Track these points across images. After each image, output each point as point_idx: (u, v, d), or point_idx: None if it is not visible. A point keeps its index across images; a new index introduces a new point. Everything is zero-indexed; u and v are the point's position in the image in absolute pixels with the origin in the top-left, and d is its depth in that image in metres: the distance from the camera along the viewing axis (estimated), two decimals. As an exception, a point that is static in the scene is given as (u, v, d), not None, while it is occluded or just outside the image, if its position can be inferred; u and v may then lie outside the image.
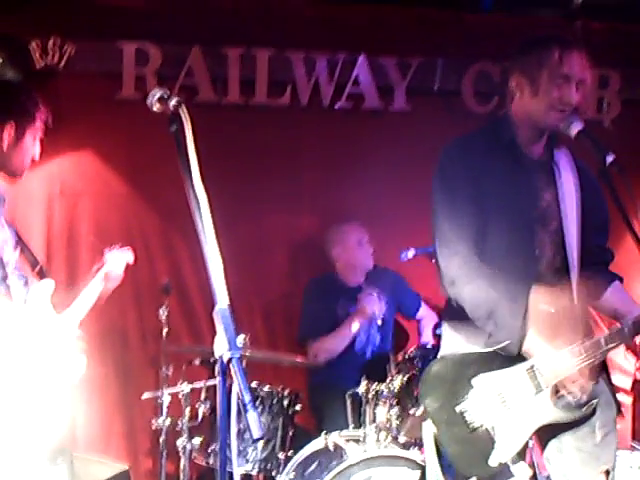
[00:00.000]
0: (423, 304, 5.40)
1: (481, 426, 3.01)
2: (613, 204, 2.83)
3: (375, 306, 5.12)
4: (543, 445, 3.18)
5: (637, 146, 5.79)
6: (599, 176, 2.88)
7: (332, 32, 5.66)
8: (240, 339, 2.37)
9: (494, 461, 2.99)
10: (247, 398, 2.21)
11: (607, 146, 2.92)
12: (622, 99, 6.00)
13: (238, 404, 2.37)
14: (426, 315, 5.43)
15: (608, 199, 2.98)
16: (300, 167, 5.63)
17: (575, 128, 3.03)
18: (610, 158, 2.86)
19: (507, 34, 5.57)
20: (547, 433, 3.10)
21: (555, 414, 3.01)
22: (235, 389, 2.30)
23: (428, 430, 3.15)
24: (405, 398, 4.23)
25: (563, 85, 3.07)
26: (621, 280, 3.34)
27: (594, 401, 3.04)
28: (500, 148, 3.19)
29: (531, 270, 3.11)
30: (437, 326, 4.72)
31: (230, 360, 2.27)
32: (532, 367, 2.99)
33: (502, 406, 3.01)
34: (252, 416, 2.19)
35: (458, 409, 3.02)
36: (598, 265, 3.26)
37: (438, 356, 3.26)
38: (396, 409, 4.26)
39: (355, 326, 5.08)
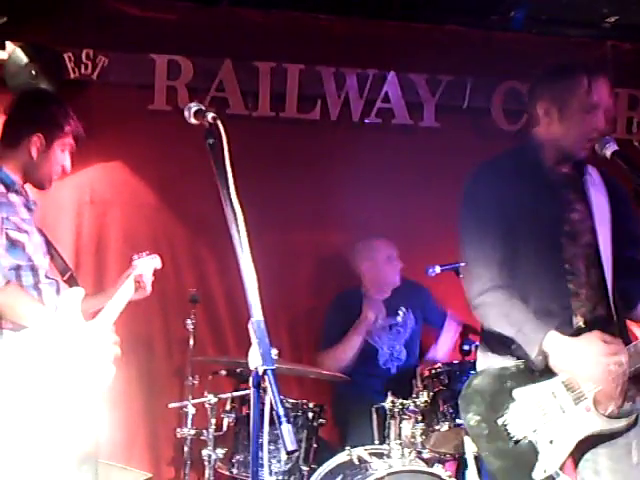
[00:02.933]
0: (449, 320, 5.39)
1: (524, 438, 3.01)
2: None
3: (377, 312, 5.12)
4: (578, 465, 3.18)
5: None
6: (634, 196, 2.89)
7: (362, 48, 5.69)
8: (274, 352, 2.38)
9: (539, 474, 2.99)
10: (281, 411, 2.22)
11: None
12: (650, 120, 6.00)
13: (270, 416, 2.38)
14: (447, 332, 5.39)
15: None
16: (329, 181, 5.64)
17: (610, 149, 3.06)
18: (643, 178, 2.87)
19: (537, 53, 5.58)
20: (583, 453, 3.10)
21: (596, 424, 3.02)
22: (266, 401, 2.32)
23: (469, 446, 3.15)
24: (430, 414, 4.24)
25: (592, 113, 3.11)
26: None
27: (636, 410, 3.05)
28: (526, 169, 3.21)
29: (564, 285, 3.12)
30: (463, 342, 4.71)
31: (265, 372, 2.28)
32: (570, 378, 3.00)
33: (544, 418, 3.02)
34: (286, 428, 2.21)
35: (500, 422, 3.03)
36: (633, 277, 3.26)
37: (477, 370, 3.27)
38: (421, 424, 4.27)
39: (358, 334, 5.08)
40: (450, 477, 4.02)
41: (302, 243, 5.64)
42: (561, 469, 3.03)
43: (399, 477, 4.10)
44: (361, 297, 5.32)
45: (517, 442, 3.01)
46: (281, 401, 2.24)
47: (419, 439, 4.28)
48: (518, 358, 3.08)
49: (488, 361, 3.21)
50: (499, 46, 5.83)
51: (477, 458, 3.18)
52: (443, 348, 5.29)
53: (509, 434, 3.02)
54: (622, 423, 3.05)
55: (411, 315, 5.27)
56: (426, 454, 4.27)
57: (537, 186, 3.19)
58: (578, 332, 3.07)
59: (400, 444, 4.27)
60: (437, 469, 4.10)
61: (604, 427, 3.03)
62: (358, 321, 5.13)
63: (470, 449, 3.14)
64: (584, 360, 2.96)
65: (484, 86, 5.79)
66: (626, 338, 3.16)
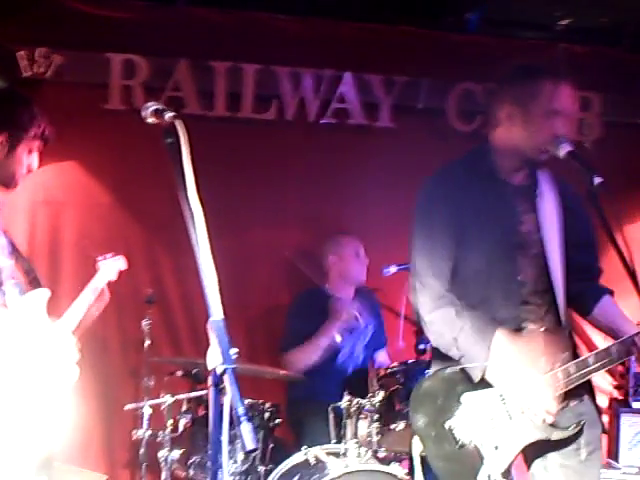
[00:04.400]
0: (385, 350, 5.42)
1: (470, 443, 3.04)
2: (599, 224, 2.87)
3: (349, 312, 5.14)
4: (529, 462, 3.23)
5: (617, 168, 5.87)
6: (587, 197, 2.92)
7: (318, 48, 5.71)
8: (233, 351, 2.37)
9: (483, 477, 3.02)
10: (241, 410, 2.21)
11: (596, 168, 2.96)
12: (603, 121, 6.07)
13: (229, 416, 2.38)
14: (383, 361, 5.38)
15: (594, 219, 3.03)
16: (285, 181, 5.67)
17: (564, 150, 3.08)
18: (598, 180, 2.90)
19: (492, 55, 5.64)
20: (533, 450, 3.14)
21: (539, 433, 3.05)
22: (225, 401, 2.31)
23: (416, 446, 3.17)
24: (386, 413, 4.25)
25: (554, 119, 3.11)
26: (611, 293, 3.39)
27: (581, 421, 3.09)
28: (480, 177, 3.23)
29: (516, 295, 3.16)
30: (419, 342, 4.73)
31: (224, 372, 2.28)
32: (501, 395, 3.05)
33: (490, 423, 3.05)
34: (246, 427, 2.20)
35: (447, 425, 3.05)
36: (586, 282, 3.31)
37: (429, 373, 3.30)
38: (377, 424, 4.28)
39: (328, 337, 5.09)
40: (406, 475, 4.04)
41: (259, 243, 5.64)
42: (507, 474, 3.07)
43: (355, 476, 4.10)
44: (323, 296, 5.33)
45: (463, 446, 3.04)
46: (242, 400, 2.24)
47: (375, 438, 4.28)
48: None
49: (441, 362, 3.22)
50: (454, 48, 5.86)
51: (424, 459, 3.19)
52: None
53: (455, 438, 3.04)
54: (569, 432, 3.09)
55: (371, 319, 5.29)
56: (382, 453, 4.28)
57: (491, 197, 3.21)
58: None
59: (356, 443, 4.28)
60: (393, 468, 4.12)
61: (550, 435, 3.07)
62: (329, 322, 5.14)
63: (417, 449, 3.16)
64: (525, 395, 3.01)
65: (439, 87, 5.83)
66: (574, 346, 3.22)
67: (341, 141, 5.71)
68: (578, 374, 3.02)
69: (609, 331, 3.22)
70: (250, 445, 2.19)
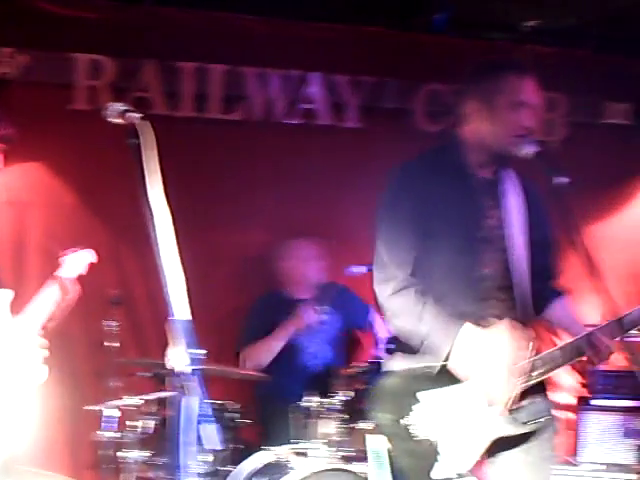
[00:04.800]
0: (373, 312, 5.42)
1: (426, 439, 3.05)
2: (562, 223, 2.89)
3: (311, 316, 5.14)
4: (489, 457, 3.23)
5: (581, 167, 5.90)
6: (550, 196, 2.94)
7: (285, 49, 5.70)
8: (199, 351, 2.37)
9: (437, 474, 3.03)
10: (207, 411, 2.22)
11: (559, 168, 2.98)
12: (568, 122, 6.12)
13: (190, 417, 2.38)
14: (378, 322, 5.42)
15: (557, 218, 3.05)
16: (252, 182, 5.66)
17: (530, 150, 3.09)
18: (563, 179, 2.92)
19: (459, 56, 5.65)
20: (492, 444, 3.14)
21: (503, 429, 3.07)
22: (189, 402, 2.31)
23: (378, 443, 3.18)
24: (351, 412, 4.27)
25: (520, 111, 3.13)
26: (567, 295, 3.41)
27: (541, 418, 3.12)
28: (448, 170, 3.24)
29: (479, 289, 3.17)
30: (388, 342, 4.75)
31: (189, 373, 2.28)
32: (474, 387, 3.06)
33: (448, 421, 3.06)
34: (212, 428, 2.21)
35: (403, 422, 3.07)
36: (545, 282, 3.33)
37: (385, 370, 3.31)
38: (341, 423, 4.30)
39: (285, 334, 5.10)
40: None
41: (225, 244, 5.63)
42: (471, 470, 3.09)
43: (320, 476, 4.13)
44: (283, 299, 5.35)
45: (419, 442, 3.05)
46: (207, 401, 2.24)
47: (339, 437, 4.31)
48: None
49: (400, 361, 3.24)
50: (421, 48, 5.90)
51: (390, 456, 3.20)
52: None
53: (412, 435, 3.05)
54: (527, 428, 3.11)
55: (335, 315, 5.29)
56: (347, 452, 4.30)
57: (456, 191, 3.21)
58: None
59: (321, 443, 4.29)
60: (358, 467, 4.13)
61: (512, 432, 3.08)
62: (287, 321, 5.14)
63: (372, 447, 3.18)
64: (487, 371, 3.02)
65: (406, 88, 5.86)
66: (535, 342, 3.23)
67: (308, 141, 5.73)
68: (539, 371, 3.05)
69: (563, 331, 3.24)
70: (215, 446, 2.20)
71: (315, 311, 5.18)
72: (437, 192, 3.18)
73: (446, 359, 3.04)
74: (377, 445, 3.19)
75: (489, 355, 3.02)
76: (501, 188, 3.29)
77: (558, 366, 3.08)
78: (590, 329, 3.07)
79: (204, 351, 2.60)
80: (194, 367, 2.28)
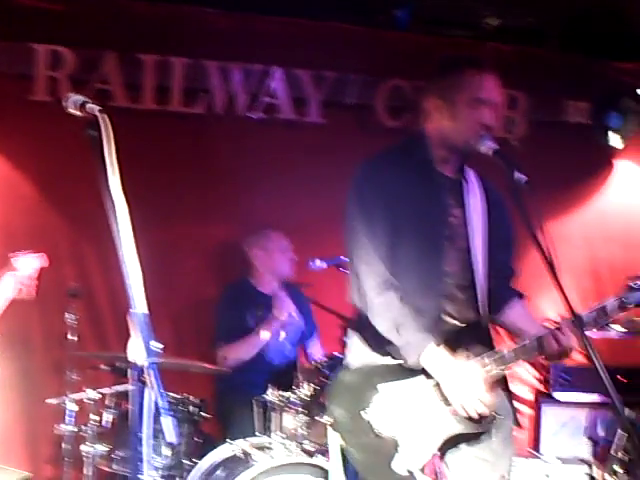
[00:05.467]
0: (316, 338, 5.47)
1: (387, 433, 3.06)
2: (521, 221, 2.91)
3: (290, 311, 5.15)
4: (443, 452, 3.27)
5: (541, 165, 5.96)
6: (510, 193, 2.96)
7: (248, 43, 5.68)
8: (156, 345, 2.37)
9: (398, 468, 3.05)
10: (163, 404, 2.22)
11: (519, 165, 3.00)
12: (529, 120, 6.17)
13: (150, 410, 2.38)
14: (315, 350, 5.46)
15: (516, 216, 3.07)
16: (214, 175, 5.65)
17: (489, 147, 3.11)
18: (522, 177, 2.94)
19: (421, 52, 5.70)
20: (447, 441, 3.17)
21: (459, 427, 3.09)
22: (148, 395, 2.31)
23: (333, 438, 3.19)
24: (312, 406, 4.27)
25: (480, 108, 3.15)
26: (524, 297, 3.45)
27: (498, 416, 3.14)
28: (413, 166, 3.25)
29: (440, 286, 3.19)
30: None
31: (147, 366, 2.27)
32: (437, 383, 3.07)
33: (407, 415, 3.07)
34: (168, 421, 2.21)
35: (365, 416, 3.07)
36: (502, 281, 3.35)
37: (344, 364, 3.32)
38: (303, 417, 4.31)
39: (267, 333, 5.11)
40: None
41: (187, 237, 5.62)
42: (426, 464, 3.11)
43: (281, 469, 4.13)
44: (251, 288, 5.36)
45: (380, 437, 3.06)
46: (164, 394, 2.24)
47: (301, 431, 4.32)
48: (394, 357, 3.15)
49: (360, 355, 3.25)
50: (384, 44, 5.90)
51: (342, 450, 3.22)
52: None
53: (373, 428, 3.07)
54: (485, 427, 3.13)
55: (298, 313, 5.32)
56: (308, 446, 4.31)
57: (421, 188, 3.23)
58: (447, 332, 3.15)
59: (282, 436, 4.30)
60: (319, 460, 4.14)
61: (467, 430, 3.11)
62: (268, 320, 5.14)
63: (333, 442, 3.18)
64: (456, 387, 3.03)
65: (368, 83, 5.87)
66: (491, 341, 3.26)
67: (270, 136, 5.71)
68: (497, 370, 3.07)
69: (517, 332, 3.25)
70: (172, 439, 2.20)
71: (293, 308, 5.21)
72: (402, 188, 3.19)
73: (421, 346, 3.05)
74: (336, 439, 3.19)
75: (451, 385, 3.03)
76: (464, 187, 3.31)
77: (517, 362, 3.10)
78: (550, 326, 3.10)
79: (161, 345, 2.59)
80: (151, 360, 2.27)
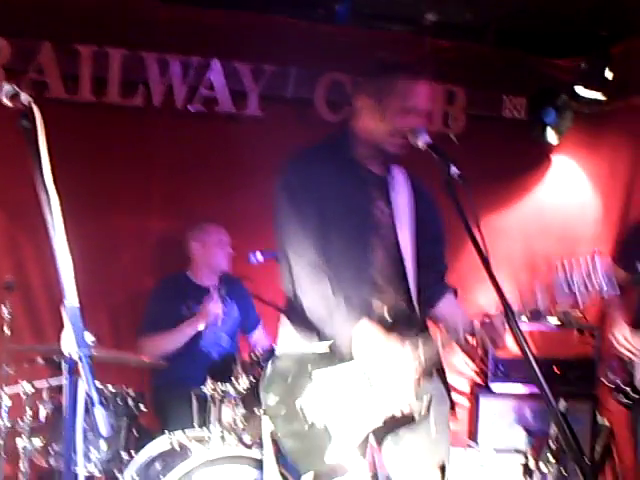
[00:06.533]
0: (261, 328, 5.48)
1: (320, 421, 3.08)
2: (456, 215, 2.94)
3: (218, 309, 5.15)
4: (380, 440, 3.30)
5: (478, 160, 6.04)
6: (444, 187, 2.99)
7: (186, 35, 5.65)
8: (89, 337, 2.37)
9: (331, 456, 3.07)
10: (95, 396, 2.22)
11: (453, 159, 3.04)
12: (467, 115, 6.23)
13: (85, 403, 2.37)
14: (261, 339, 5.48)
15: (451, 210, 3.10)
16: (151, 168, 5.63)
17: (423, 141, 3.14)
18: (456, 171, 2.98)
19: (360, 47, 5.68)
20: (383, 427, 3.20)
21: (392, 411, 3.11)
22: (82, 388, 2.30)
23: (267, 426, 3.20)
24: (251, 398, 4.28)
25: (408, 116, 3.19)
26: (455, 292, 3.50)
27: (430, 398, 3.20)
28: (340, 162, 3.28)
29: (369, 279, 3.21)
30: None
31: (79, 358, 2.27)
32: (367, 370, 3.09)
33: (339, 402, 3.09)
34: (100, 413, 2.21)
35: (298, 404, 3.09)
36: (433, 275, 3.38)
37: (277, 353, 3.34)
38: (242, 409, 4.32)
39: (194, 328, 5.09)
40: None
41: (125, 229, 5.59)
42: (361, 449, 3.14)
43: (219, 462, 4.14)
44: (185, 282, 5.34)
45: (313, 424, 3.08)
46: (95, 386, 2.24)
47: (240, 424, 4.33)
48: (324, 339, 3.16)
49: (292, 343, 3.27)
50: (323, 38, 5.91)
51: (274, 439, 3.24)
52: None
53: (306, 416, 3.09)
54: (418, 409, 3.18)
55: (235, 306, 5.31)
56: (247, 439, 4.32)
57: (348, 183, 3.26)
58: (379, 325, 3.16)
59: (220, 429, 4.30)
60: (256, 452, 4.15)
61: (401, 412, 3.12)
62: (197, 316, 5.11)
63: (267, 430, 3.20)
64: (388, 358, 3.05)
65: (308, 77, 5.87)
66: (426, 333, 3.28)
67: (209, 129, 5.70)
68: (429, 356, 3.10)
69: (448, 326, 3.27)
70: (104, 431, 2.20)
71: (221, 302, 5.18)
72: (329, 183, 3.22)
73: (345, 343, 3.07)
74: (269, 427, 3.20)
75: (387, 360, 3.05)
76: (390, 183, 3.35)
77: (449, 349, 3.14)
78: (482, 317, 3.14)
79: (93, 337, 2.57)
80: (83, 352, 2.27)
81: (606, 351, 4.94)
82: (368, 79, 3.31)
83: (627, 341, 4.70)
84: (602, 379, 5.10)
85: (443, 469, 3.31)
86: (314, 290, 3.13)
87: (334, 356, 3.12)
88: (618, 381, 4.80)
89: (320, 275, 3.12)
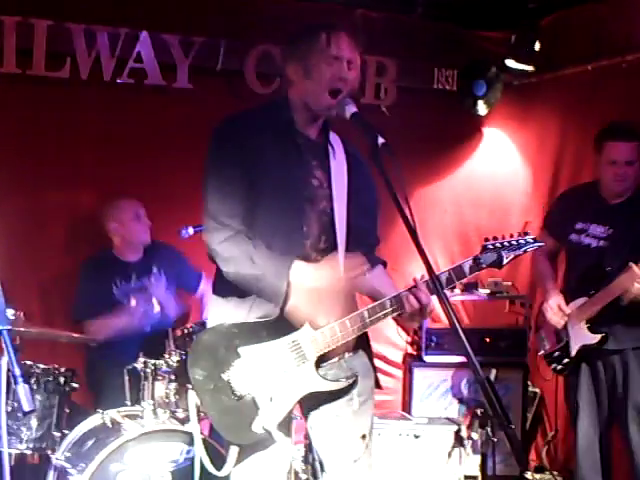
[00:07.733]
0: (204, 279, 5.43)
1: (247, 394, 3.09)
2: (384, 186, 2.93)
3: (159, 287, 5.12)
4: (305, 413, 3.35)
5: (410, 132, 6.08)
6: (370, 158, 2.99)
7: (114, 6, 5.54)
8: (10, 312, 2.33)
9: (257, 427, 3.08)
10: (17, 371, 2.20)
11: (380, 130, 3.02)
12: (398, 87, 6.25)
13: (8, 379, 2.35)
14: (208, 291, 5.44)
15: (379, 181, 3.10)
16: (80, 142, 5.53)
17: (349, 111, 3.15)
18: (381, 141, 2.98)
19: (290, 18, 5.66)
20: (309, 402, 3.24)
21: (317, 385, 3.15)
22: (4, 363, 2.27)
23: (193, 399, 3.19)
24: (183, 373, 4.25)
25: (334, 64, 3.19)
26: (384, 264, 3.51)
27: (353, 374, 3.23)
28: (276, 128, 3.26)
29: (297, 247, 3.20)
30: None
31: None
32: (295, 340, 3.11)
33: (267, 375, 3.10)
34: (22, 389, 2.18)
35: (225, 377, 3.09)
36: (363, 247, 3.36)
37: (207, 326, 3.33)
38: (174, 384, 4.31)
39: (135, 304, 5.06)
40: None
41: (53, 204, 5.51)
42: (287, 422, 3.17)
43: (151, 437, 4.12)
44: (112, 259, 5.28)
45: (240, 398, 3.08)
46: (19, 362, 2.21)
47: (173, 399, 4.31)
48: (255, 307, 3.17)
49: (221, 315, 3.25)
50: (253, 9, 5.85)
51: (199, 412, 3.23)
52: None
53: (233, 389, 3.09)
54: (341, 384, 3.21)
55: (163, 276, 5.26)
56: (181, 413, 4.31)
57: (283, 147, 3.24)
58: None
59: (153, 404, 4.28)
60: (189, 427, 4.13)
61: (324, 388, 3.17)
62: (127, 313, 5.07)
63: (193, 403, 3.19)
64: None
65: (238, 48, 5.81)
66: (353, 305, 3.31)
67: (138, 102, 5.61)
68: (354, 327, 3.13)
69: (377, 297, 3.28)
70: (27, 407, 2.18)
71: (159, 278, 5.16)
72: (264, 148, 3.20)
73: (284, 299, 3.07)
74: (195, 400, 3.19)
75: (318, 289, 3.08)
76: (326, 150, 3.34)
77: (376, 321, 3.17)
78: (409, 287, 3.16)
79: (15, 312, 2.55)
80: (4, 327, 2.23)
81: (539, 321, 4.99)
82: (293, 45, 3.32)
83: (561, 310, 4.77)
84: (535, 348, 5.19)
85: (364, 439, 3.35)
86: (228, 244, 3.12)
87: (264, 329, 3.12)
88: (552, 350, 4.87)
89: (243, 244, 3.12)
